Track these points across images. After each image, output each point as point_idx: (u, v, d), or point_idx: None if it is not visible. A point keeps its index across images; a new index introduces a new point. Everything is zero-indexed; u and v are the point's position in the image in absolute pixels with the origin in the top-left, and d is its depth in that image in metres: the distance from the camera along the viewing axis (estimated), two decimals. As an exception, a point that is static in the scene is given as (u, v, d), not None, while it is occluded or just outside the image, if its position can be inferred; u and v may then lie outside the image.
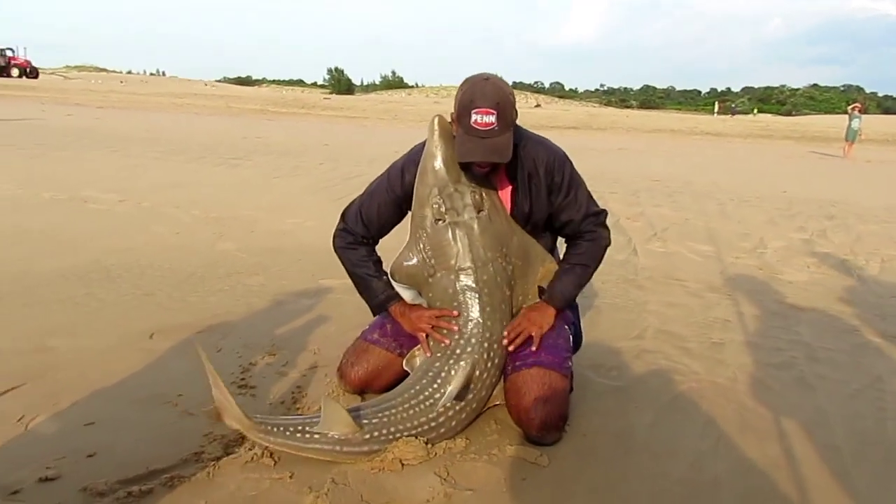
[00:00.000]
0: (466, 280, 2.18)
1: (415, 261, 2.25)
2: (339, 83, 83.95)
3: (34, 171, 7.25)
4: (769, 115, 51.78)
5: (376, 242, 2.44)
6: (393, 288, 2.35)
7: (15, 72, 46.64)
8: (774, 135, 27.70)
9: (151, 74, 79.93)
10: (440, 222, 2.18)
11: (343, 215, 2.44)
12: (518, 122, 2.21)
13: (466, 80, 2.12)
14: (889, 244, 6.01)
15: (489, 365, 2.19)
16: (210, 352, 2.75)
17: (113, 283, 3.56)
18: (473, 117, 2.04)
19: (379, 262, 2.41)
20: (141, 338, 2.86)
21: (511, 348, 2.20)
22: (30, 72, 48.10)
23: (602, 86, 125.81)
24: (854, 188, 10.54)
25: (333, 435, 1.93)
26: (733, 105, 62.01)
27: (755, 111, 51.31)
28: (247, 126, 17.47)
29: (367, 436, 1.97)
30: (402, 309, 2.32)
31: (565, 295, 2.33)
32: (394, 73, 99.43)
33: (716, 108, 59.52)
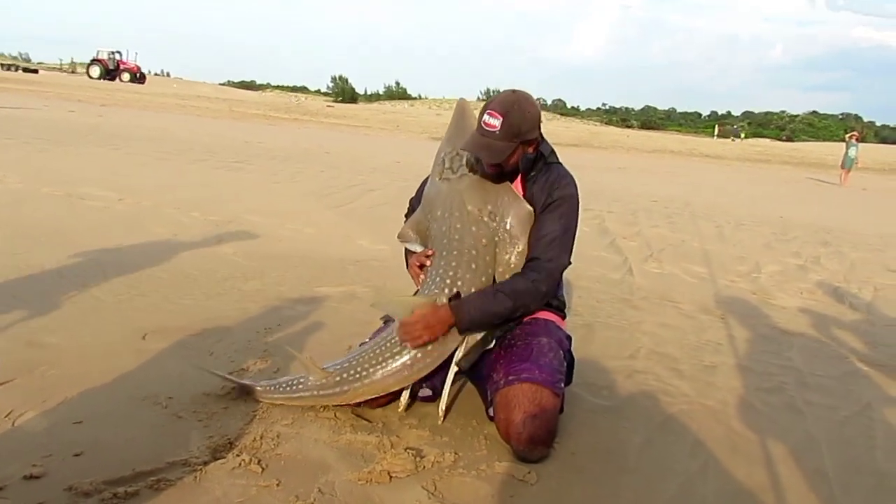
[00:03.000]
0: (446, 228, 2.34)
1: (420, 218, 2.47)
2: (343, 91, 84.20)
3: (33, 166, 7.24)
4: (766, 140, 51.95)
5: None
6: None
7: (126, 76, 45.79)
8: (773, 160, 27.87)
9: (156, 74, 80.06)
10: (439, 179, 2.44)
11: (411, 203, 2.69)
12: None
13: (506, 92, 2.34)
14: (882, 273, 6.04)
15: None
16: (202, 354, 2.74)
17: (108, 281, 3.55)
18: (484, 117, 2.24)
19: None
20: (134, 338, 2.85)
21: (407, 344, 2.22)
22: (139, 77, 47.20)
23: (604, 104, 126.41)
24: (849, 215, 10.60)
25: (312, 382, 2.29)
26: (735, 127, 61.99)
27: (743, 135, 51.49)
28: (249, 130, 17.51)
29: (338, 378, 2.27)
30: (411, 259, 2.51)
31: (470, 313, 2.20)
32: (397, 83, 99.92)
33: (716, 132, 59.80)
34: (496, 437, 2.24)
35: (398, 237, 2.52)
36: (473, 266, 2.28)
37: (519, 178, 2.40)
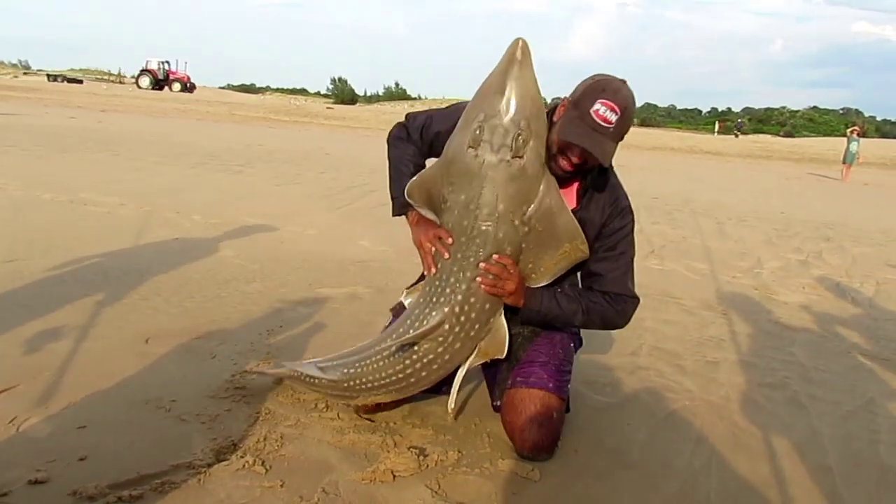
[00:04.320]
0: (467, 223, 2.00)
1: (435, 179, 2.07)
2: (343, 93, 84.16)
3: (35, 173, 7.26)
4: (767, 136, 51.84)
5: (424, 157, 2.35)
6: None
7: (176, 86, 45.29)
8: (773, 155, 27.83)
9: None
10: (471, 150, 1.94)
11: (408, 117, 2.39)
12: None
13: (599, 75, 2.01)
14: (884, 267, 6.04)
15: (462, 319, 2.07)
16: (204, 357, 2.75)
17: (110, 286, 3.56)
18: (597, 105, 1.90)
19: (421, 167, 2.31)
20: (136, 342, 2.86)
21: (479, 279, 2.01)
22: (189, 86, 46.68)
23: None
24: (851, 210, 10.59)
25: (326, 381, 2.27)
26: (739, 121, 61.46)
27: (736, 133, 51.26)
28: (250, 133, 17.53)
29: (346, 384, 2.22)
30: (418, 218, 2.19)
31: (547, 306, 2.10)
32: (397, 84, 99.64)
33: (716, 128, 59.69)
34: (499, 435, 2.25)
35: (407, 191, 2.14)
36: None
37: (574, 188, 2.15)
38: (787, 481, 2.17)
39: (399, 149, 2.37)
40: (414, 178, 2.14)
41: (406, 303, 2.22)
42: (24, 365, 2.52)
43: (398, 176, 2.30)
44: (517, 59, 1.88)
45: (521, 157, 1.91)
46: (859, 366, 3.35)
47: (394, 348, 2.13)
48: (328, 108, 43.68)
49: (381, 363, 2.16)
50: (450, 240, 2.02)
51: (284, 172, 9.33)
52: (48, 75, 51.97)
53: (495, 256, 1.99)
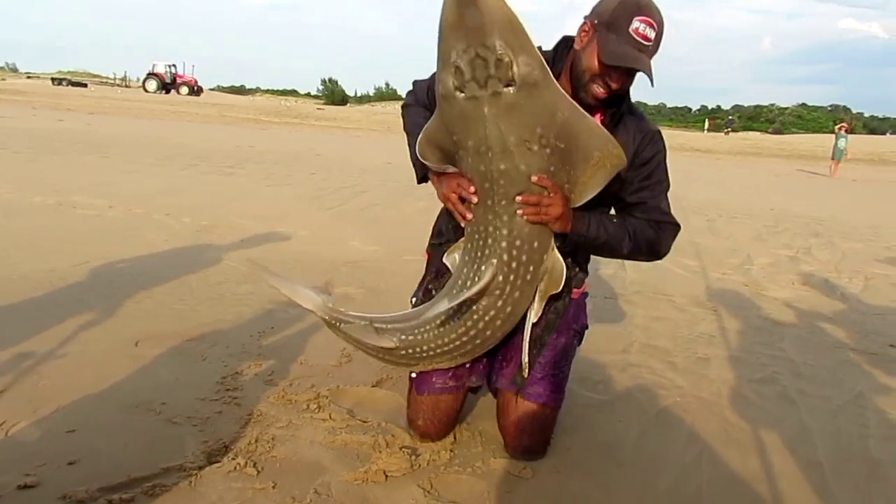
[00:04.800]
0: (484, 167, 1.83)
1: (439, 131, 1.91)
2: (333, 94, 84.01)
3: (23, 175, 7.21)
4: (756, 134, 52.09)
5: None
6: None
7: (184, 90, 44.60)
8: (763, 152, 27.98)
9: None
10: (459, 93, 1.76)
11: (414, 83, 2.30)
12: None
13: None
14: (873, 262, 6.08)
15: (514, 265, 1.92)
16: (196, 360, 2.74)
17: (100, 289, 3.54)
18: (636, 24, 1.83)
19: None
20: (127, 344, 2.84)
21: (519, 212, 1.86)
22: (197, 90, 46.13)
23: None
24: (840, 206, 10.66)
25: (375, 342, 2.11)
26: (730, 118, 61.33)
27: (726, 131, 51.37)
28: (240, 135, 17.47)
29: (403, 351, 2.11)
30: (438, 175, 2.05)
31: (595, 229, 1.98)
32: (387, 84, 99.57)
33: (706, 125, 59.98)
34: (491, 434, 2.25)
35: (418, 152, 1.97)
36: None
37: (597, 118, 2.01)
38: (778, 476, 2.19)
39: (410, 115, 2.26)
40: (420, 137, 1.97)
41: (449, 262, 2.07)
42: (12, 369, 2.50)
43: (414, 141, 2.10)
44: None
45: (513, 83, 1.72)
46: (848, 361, 3.37)
47: (451, 312, 1.99)
48: (319, 108, 43.59)
49: (440, 329, 2.03)
50: (472, 188, 1.88)
51: (275, 173, 9.31)
52: (52, 79, 51.41)
53: (534, 178, 1.82)
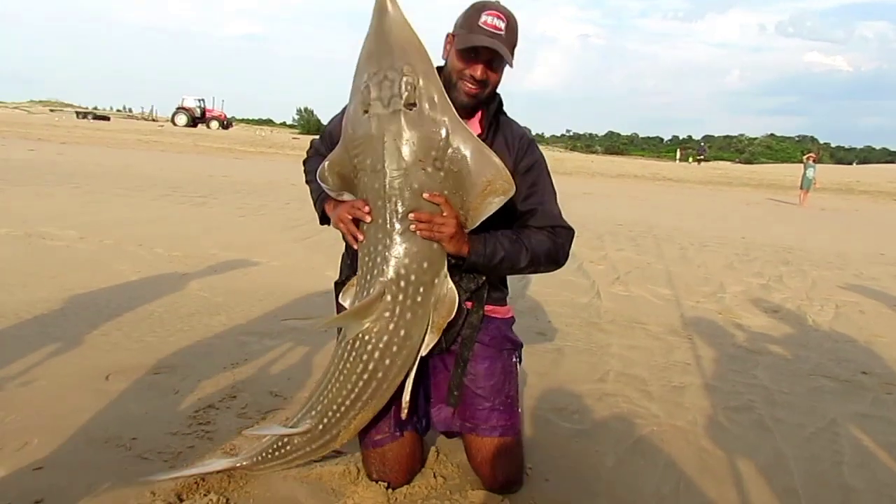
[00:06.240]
0: (378, 185, 1.87)
1: (342, 157, 1.95)
2: (309, 123, 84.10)
3: (-9, 207, 7.08)
4: (727, 163, 53.19)
5: None
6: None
7: (214, 124, 44.53)
8: (734, 182, 28.52)
9: (118, 111, 79.34)
10: (365, 114, 1.86)
11: (312, 141, 2.43)
12: None
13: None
14: (842, 290, 6.19)
15: (402, 284, 1.90)
16: (167, 393, 2.69)
17: (69, 321, 3.47)
18: (484, 17, 1.97)
19: None
20: (96, 378, 2.78)
21: (412, 228, 1.87)
22: (226, 125, 46.07)
23: (568, 131, 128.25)
24: (809, 234, 10.87)
25: (298, 440, 2.05)
26: (702, 145, 62.26)
27: (690, 159, 52.38)
28: (214, 164, 17.38)
29: (321, 425, 2.02)
30: (333, 204, 2.08)
31: (492, 248, 1.98)
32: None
33: (678, 155, 61.10)
34: (468, 466, 2.22)
35: (318, 177, 2.01)
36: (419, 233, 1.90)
37: (477, 119, 2.11)
38: (754, 504, 2.19)
39: (310, 163, 2.33)
40: (323, 163, 2.00)
41: (346, 304, 2.04)
42: (-24, 405, 2.43)
43: (316, 187, 2.18)
44: (381, 9, 1.81)
45: (413, 103, 1.82)
46: (821, 387, 3.41)
47: (347, 348, 1.96)
48: (294, 138, 43.61)
49: (341, 375, 1.97)
50: (366, 207, 1.90)
51: (249, 203, 9.26)
52: (77, 112, 51.49)
53: (426, 195, 1.86)
